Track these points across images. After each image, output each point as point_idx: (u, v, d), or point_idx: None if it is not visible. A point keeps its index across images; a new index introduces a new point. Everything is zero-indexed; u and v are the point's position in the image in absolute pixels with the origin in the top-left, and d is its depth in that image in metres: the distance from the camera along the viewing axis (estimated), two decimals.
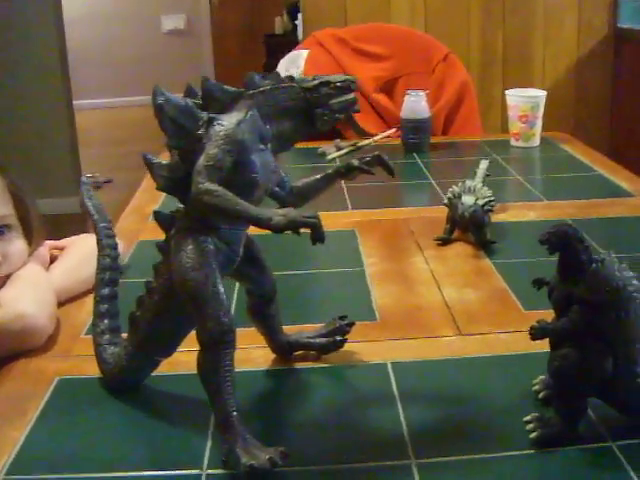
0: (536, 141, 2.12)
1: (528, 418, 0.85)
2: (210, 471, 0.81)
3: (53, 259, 1.26)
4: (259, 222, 0.76)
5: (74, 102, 4.97)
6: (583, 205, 1.64)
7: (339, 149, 2.05)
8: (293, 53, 2.52)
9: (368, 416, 0.91)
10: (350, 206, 1.66)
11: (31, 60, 4.49)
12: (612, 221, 1.55)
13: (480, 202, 1.39)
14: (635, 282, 0.82)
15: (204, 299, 0.80)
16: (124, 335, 0.95)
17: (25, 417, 0.91)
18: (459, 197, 1.40)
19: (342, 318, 1.03)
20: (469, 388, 0.96)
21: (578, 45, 3.74)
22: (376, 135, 2.20)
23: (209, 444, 0.85)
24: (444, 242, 1.42)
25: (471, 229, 1.41)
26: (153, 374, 0.96)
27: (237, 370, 0.98)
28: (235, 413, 0.80)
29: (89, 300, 1.05)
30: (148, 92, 0.84)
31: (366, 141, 2.14)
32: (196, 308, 0.81)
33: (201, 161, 0.79)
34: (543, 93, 2.11)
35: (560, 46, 3.72)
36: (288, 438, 0.86)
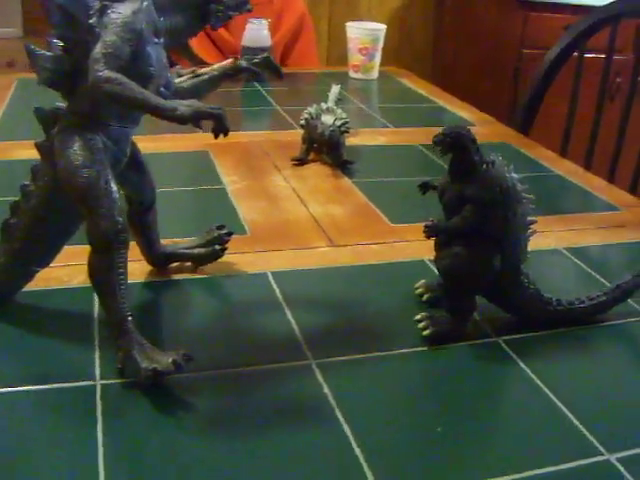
0: (375, 74, 2.15)
1: (418, 317, 0.87)
2: (104, 381, 0.76)
3: None
4: (164, 111, 0.72)
5: None
6: (430, 132, 1.66)
7: (180, 76, 2.00)
8: None
9: (258, 321, 0.89)
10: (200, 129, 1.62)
11: None
12: None
13: (337, 123, 1.39)
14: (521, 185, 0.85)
15: (96, 197, 0.75)
16: None
17: None
18: (318, 117, 1.40)
19: (220, 228, 1.00)
20: (352, 294, 0.96)
21: None
22: (213, 65, 2.16)
23: (97, 354, 0.80)
24: (301, 162, 1.42)
25: (327, 150, 1.41)
26: (24, 289, 0.89)
27: None
28: (130, 318, 0.76)
29: None
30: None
31: (205, 69, 2.09)
32: (88, 208, 0.76)
33: (98, 49, 0.73)
34: (383, 27, 2.14)
35: None
36: (178, 346, 0.81)
